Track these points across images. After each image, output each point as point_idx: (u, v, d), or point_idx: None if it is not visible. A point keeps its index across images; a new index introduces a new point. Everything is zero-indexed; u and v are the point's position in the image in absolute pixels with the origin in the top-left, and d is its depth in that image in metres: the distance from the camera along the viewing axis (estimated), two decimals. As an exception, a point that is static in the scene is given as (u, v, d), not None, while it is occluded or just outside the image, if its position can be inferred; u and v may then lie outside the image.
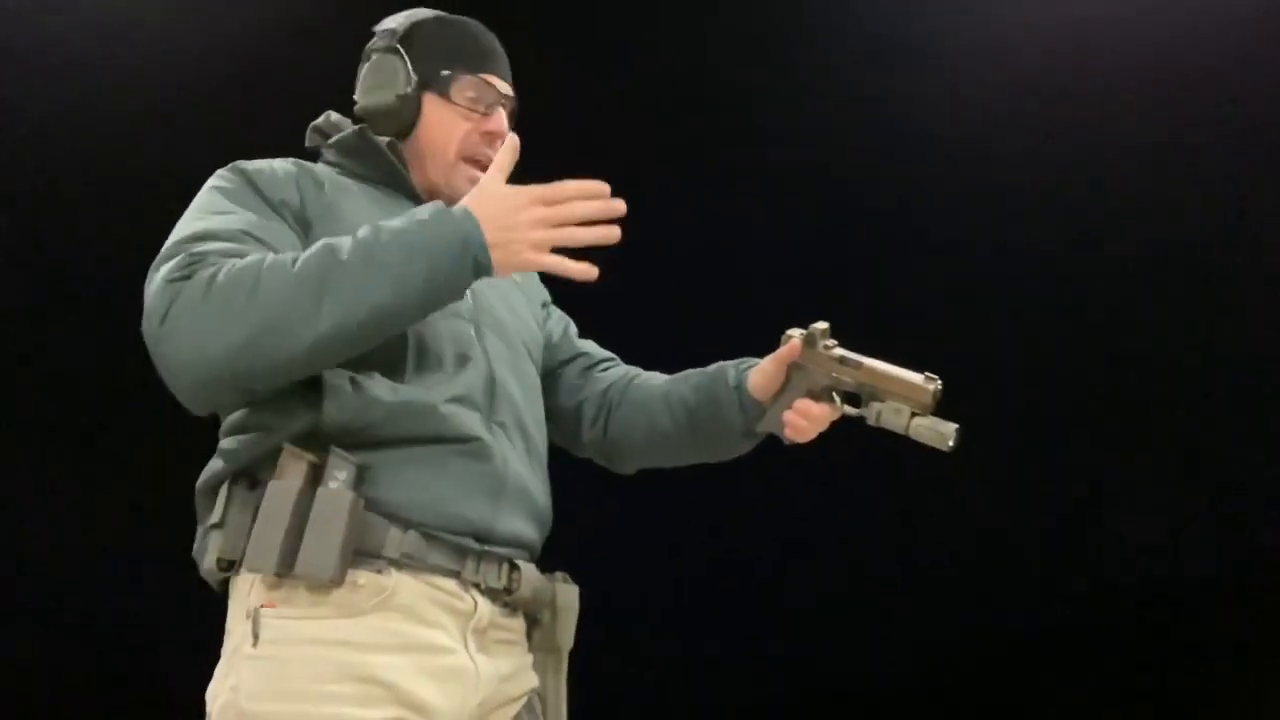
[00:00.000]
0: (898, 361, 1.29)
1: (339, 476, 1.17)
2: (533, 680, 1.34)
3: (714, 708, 6.41)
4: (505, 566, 1.29)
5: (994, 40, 3.52)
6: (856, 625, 5.83)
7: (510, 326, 1.41)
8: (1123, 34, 3.43)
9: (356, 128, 1.44)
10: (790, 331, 1.34)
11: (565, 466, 1.56)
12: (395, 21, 1.48)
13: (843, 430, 1.35)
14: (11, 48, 3.40)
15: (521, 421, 1.36)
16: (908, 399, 1.24)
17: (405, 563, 1.20)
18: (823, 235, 4.09)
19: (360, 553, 1.18)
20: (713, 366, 1.45)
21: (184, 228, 1.24)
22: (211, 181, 1.32)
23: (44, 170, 3.72)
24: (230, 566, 1.21)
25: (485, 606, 1.26)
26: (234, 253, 1.18)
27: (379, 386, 1.21)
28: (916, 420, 1.23)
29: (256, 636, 1.16)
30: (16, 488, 4.67)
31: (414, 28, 1.46)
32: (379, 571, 1.19)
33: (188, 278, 1.14)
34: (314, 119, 1.52)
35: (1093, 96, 3.62)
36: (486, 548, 1.27)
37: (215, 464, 1.26)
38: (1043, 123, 3.72)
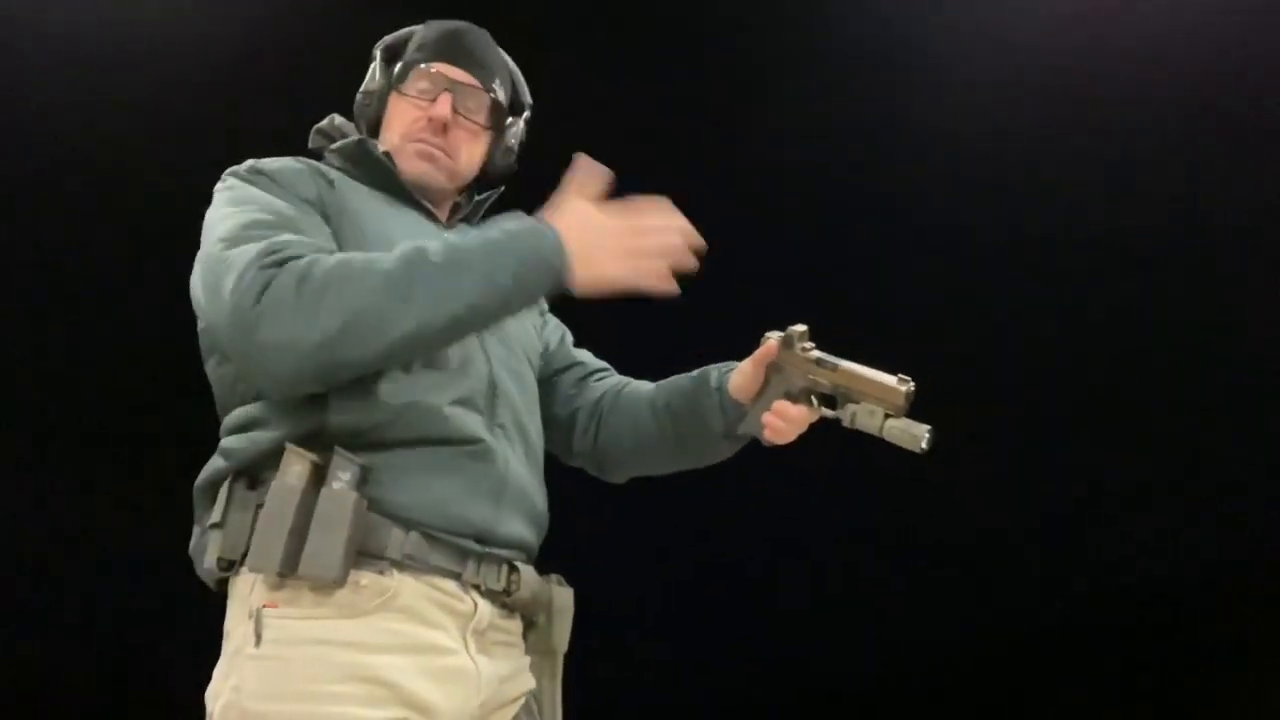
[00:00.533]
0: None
1: (343, 477, 1.17)
2: (530, 682, 1.35)
3: (710, 709, 6.40)
4: (505, 568, 1.30)
5: (995, 39, 3.52)
6: (854, 626, 5.83)
7: (511, 331, 1.41)
8: (1125, 33, 3.43)
9: (357, 138, 1.46)
10: (769, 334, 1.34)
11: (561, 471, 1.57)
12: (393, 34, 1.54)
13: (838, 431, 1.36)
14: (11, 47, 3.40)
15: (521, 425, 1.36)
16: (881, 401, 1.25)
17: (407, 564, 1.20)
18: (823, 235, 4.09)
19: (363, 553, 1.18)
20: (697, 371, 1.46)
21: (239, 215, 1.24)
22: (236, 179, 1.33)
23: (43, 169, 3.72)
24: (230, 566, 1.20)
25: (485, 608, 1.27)
26: (307, 246, 1.20)
27: (384, 388, 1.22)
28: (890, 422, 1.24)
29: (259, 636, 1.15)
30: (17, 488, 4.67)
31: (400, 36, 1.53)
32: (381, 572, 1.19)
33: (280, 264, 1.16)
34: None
35: (1094, 97, 3.62)
36: (487, 549, 1.27)
37: (216, 462, 1.26)
38: (1044, 122, 3.72)
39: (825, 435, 1.37)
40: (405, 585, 1.20)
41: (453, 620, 1.23)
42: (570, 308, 1.64)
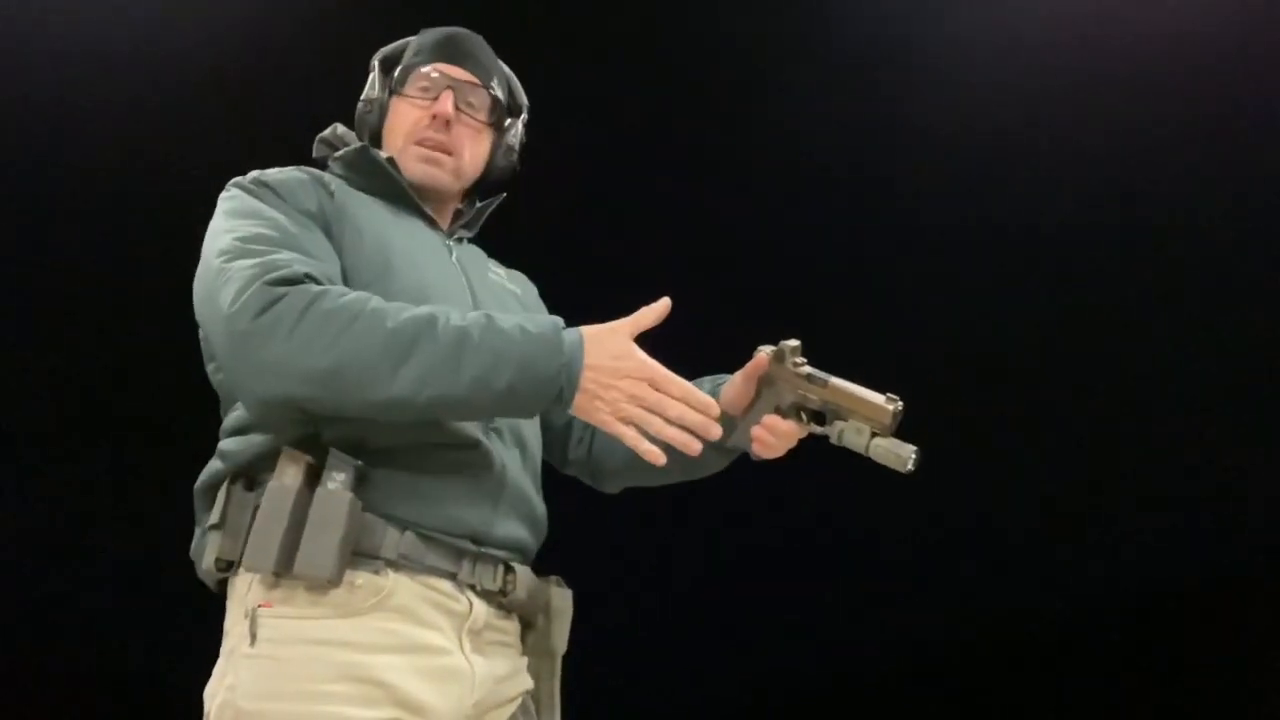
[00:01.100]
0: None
1: (338, 477, 1.17)
2: (527, 682, 1.34)
3: (711, 709, 6.40)
4: (501, 569, 1.30)
5: (996, 38, 3.52)
6: (853, 627, 5.84)
7: None
8: (1125, 33, 3.43)
9: (359, 145, 1.47)
10: (761, 348, 1.34)
11: (562, 475, 1.57)
12: (390, 45, 1.56)
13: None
14: (10, 46, 3.40)
15: (517, 429, 1.36)
16: (869, 419, 1.24)
17: (402, 564, 1.21)
18: (823, 235, 4.09)
19: (358, 553, 1.18)
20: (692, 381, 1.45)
21: (240, 228, 1.25)
22: (239, 190, 1.33)
23: (43, 169, 3.72)
24: (229, 567, 1.21)
25: (480, 608, 1.27)
26: (310, 265, 1.20)
27: None
28: (876, 440, 1.23)
29: (254, 636, 1.16)
30: (17, 488, 4.67)
31: (396, 46, 1.55)
32: (376, 572, 1.19)
33: (286, 283, 1.16)
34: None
35: (1097, 96, 3.62)
36: (483, 550, 1.27)
37: (214, 464, 1.27)
38: (1045, 122, 3.72)
39: (824, 439, 1.36)
40: (400, 585, 1.20)
41: (448, 620, 1.23)
42: (572, 308, 1.64)
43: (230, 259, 1.20)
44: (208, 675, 1.22)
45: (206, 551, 1.22)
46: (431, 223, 1.47)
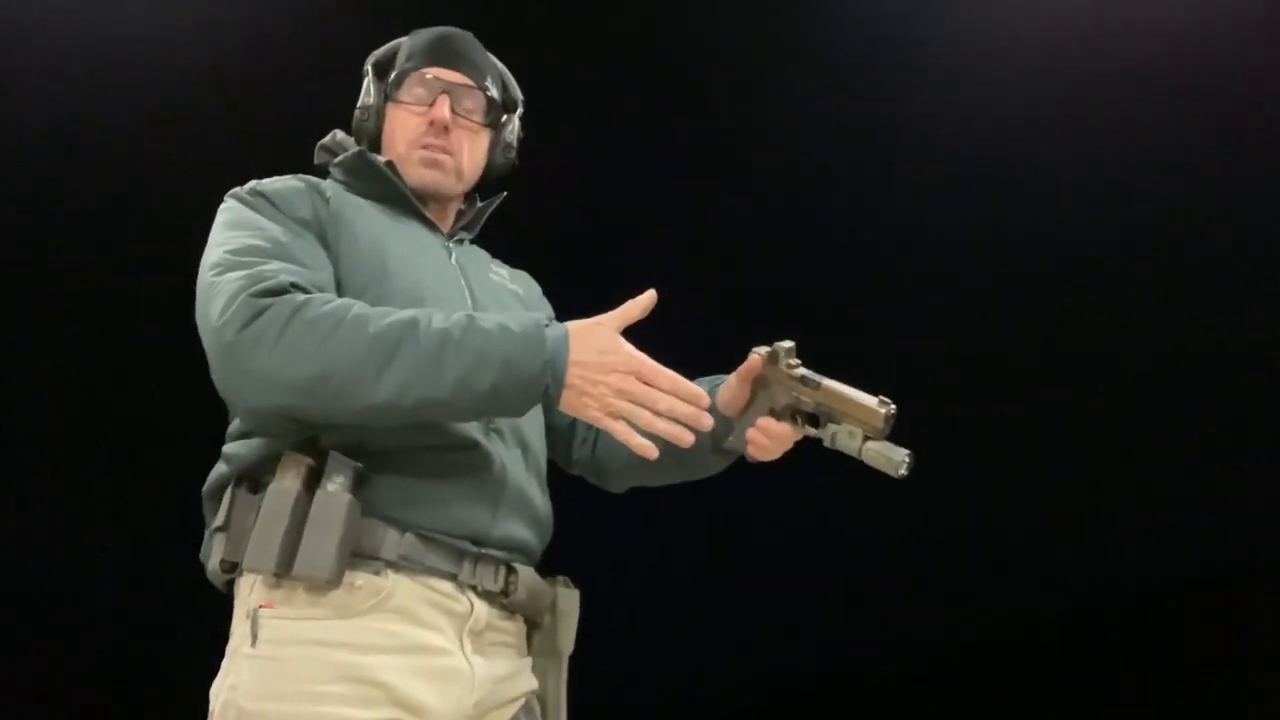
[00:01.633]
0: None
1: (338, 479, 1.18)
2: (531, 683, 1.34)
3: (713, 709, 6.40)
4: (502, 569, 1.30)
5: (996, 38, 3.52)
6: (853, 627, 5.83)
7: None
8: (1126, 32, 3.43)
9: (357, 149, 1.48)
10: (756, 349, 1.33)
11: (570, 475, 1.57)
12: (381, 49, 1.56)
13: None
14: (10, 46, 3.40)
15: (519, 430, 1.36)
16: (861, 422, 1.22)
17: (402, 564, 1.21)
18: (823, 235, 4.09)
19: (358, 554, 1.19)
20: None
21: (232, 240, 1.26)
22: (235, 201, 1.34)
23: (44, 170, 3.72)
24: (234, 568, 1.22)
25: (482, 609, 1.27)
26: (298, 274, 1.22)
27: None
28: (869, 444, 1.21)
29: (255, 636, 1.17)
30: (17, 488, 4.67)
31: (388, 49, 1.55)
32: (376, 573, 1.20)
33: (272, 294, 1.17)
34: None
35: (1097, 96, 3.62)
36: (484, 551, 1.28)
37: (220, 468, 1.28)
38: (1045, 122, 3.72)
39: (819, 441, 1.36)
40: (400, 586, 1.21)
41: (448, 621, 1.24)
42: (571, 308, 1.64)
43: (220, 272, 1.22)
44: (208, 675, 1.23)
45: (212, 553, 1.24)
46: (431, 225, 1.48)
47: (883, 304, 4.25)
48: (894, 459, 1.19)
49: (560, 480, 1.50)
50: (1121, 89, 3.57)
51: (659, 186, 3.89)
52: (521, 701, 1.32)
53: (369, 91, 1.52)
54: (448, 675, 1.21)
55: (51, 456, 4.56)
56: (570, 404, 1.18)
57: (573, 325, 1.20)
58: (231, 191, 1.36)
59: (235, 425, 1.29)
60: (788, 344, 1.30)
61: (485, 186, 1.58)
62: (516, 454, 1.34)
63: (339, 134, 1.53)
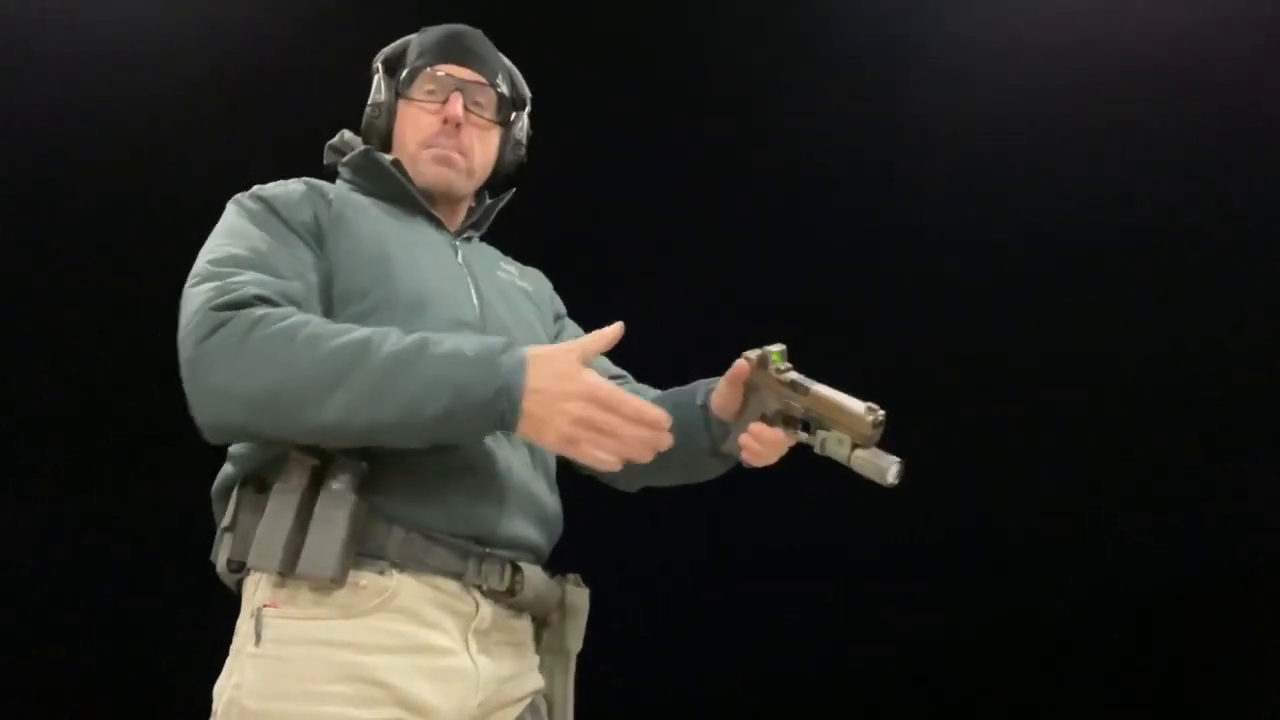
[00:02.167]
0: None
1: (342, 479, 1.18)
2: (537, 682, 1.34)
3: (716, 709, 6.39)
4: (508, 568, 1.29)
5: (996, 38, 3.52)
6: (853, 627, 5.83)
7: (519, 336, 1.40)
8: (1126, 32, 3.43)
9: (363, 148, 1.48)
10: (747, 353, 1.30)
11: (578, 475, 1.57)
12: (390, 46, 1.55)
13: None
14: (10, 46, 3.40)
15: None
16: (849, 429, 1.18)
17: (407, 564, 1.21)
18: (823, 235, 4.09)
19: (363, 554, 1.19)
20: (691, 384, 1.43)
21: (217, 249, 1.26)
22: (235, 206, 1.34)
23: (43, 169, 3.72)
24: (241, 568, 1.22)
25: (487, 608, 1.26)
26: (267, 285, 1.21)
27: None
28: (857, 452, 1.17)
29: (259, 636, 1.17)
30: (17, 488, 4.67)
31: (397, 46, 1.54)
32: (381, 573, 1.20)
33: (233, 307, 1.17)
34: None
35: (1097, 96, 3.61)
36: (489, 550, 1.27)
37: (227, 469, 1.28)
38: (1045, 122, 3.72)
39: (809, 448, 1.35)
40: (405, 585, 1.21)
41: (453, 620, 1.23)
42: (571, 308, 1.65)
43: (197, 282, 1.21)
44: (208, 675, 1.23)
45: (220, 553, 1.24)
46: (438, 223, 1.47)
47: (883, 304, 4.25)
48: (882, 467, 1.15)
49: (564, 480, 1.49)
50: (1121, 89, 3.57)
51: (658, 186, 3.89)
52: (527, 701, 1.32)
53: (380, 89, 1.51)
54: (452, 675, 1.21)
55: (51, 456, 4.56)
56: (528, 431, 1.16)
57: (533, 351, 1.17)
58: (235, 196, 1.36)
59: None
60: (778, 347, 1.28)
61: (494, 184, 1.57)
62: (523, 453, 1.34)
63: (346, 133, 1.53)
